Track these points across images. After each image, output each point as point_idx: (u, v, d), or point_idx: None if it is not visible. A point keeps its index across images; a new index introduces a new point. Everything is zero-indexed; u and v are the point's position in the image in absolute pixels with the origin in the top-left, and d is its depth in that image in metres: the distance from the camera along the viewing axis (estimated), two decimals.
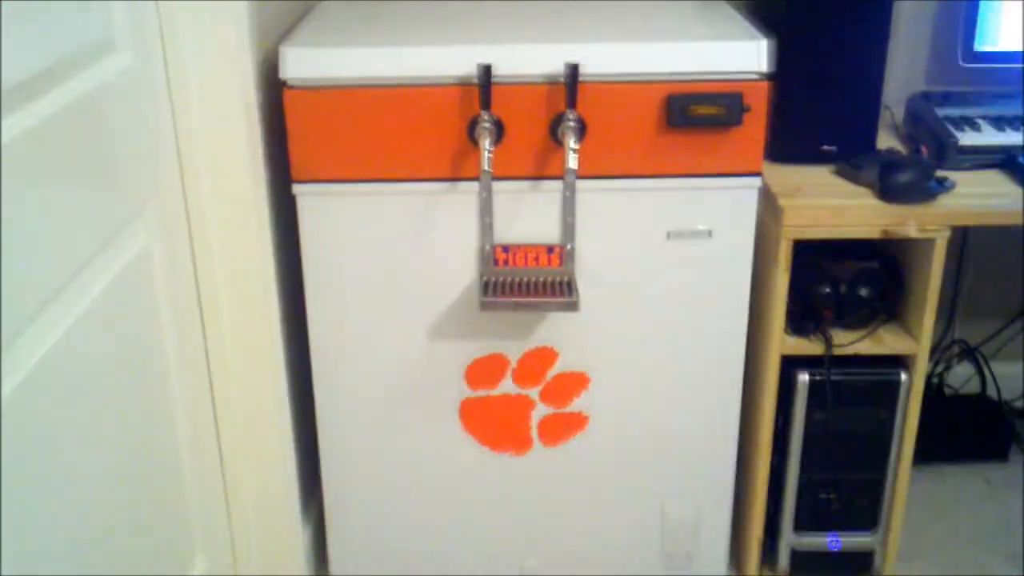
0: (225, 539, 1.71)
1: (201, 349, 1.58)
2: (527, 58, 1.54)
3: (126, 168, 1.30)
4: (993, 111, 1.89)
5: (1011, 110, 1.90)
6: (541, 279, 1.64)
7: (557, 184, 1.60)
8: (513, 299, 1.60)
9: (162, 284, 1.42)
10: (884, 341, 1.78)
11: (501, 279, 1.64)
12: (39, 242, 1.07)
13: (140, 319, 1.36)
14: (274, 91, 1.61)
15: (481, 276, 1.65)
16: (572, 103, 1.53)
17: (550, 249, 1.64)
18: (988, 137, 1.80)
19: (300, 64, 1.54)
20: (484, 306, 1.59)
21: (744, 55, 1.56)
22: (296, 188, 1.60)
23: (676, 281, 1.68)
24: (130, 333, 1.33)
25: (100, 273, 1.24)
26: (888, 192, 1.69)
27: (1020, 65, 1.97)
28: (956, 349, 2.40)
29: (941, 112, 1.87)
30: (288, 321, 1.74)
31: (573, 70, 1.51)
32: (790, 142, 1.79)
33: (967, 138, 1.79)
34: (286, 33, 1.65)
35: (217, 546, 1.68)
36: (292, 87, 1.55)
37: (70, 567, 1.16)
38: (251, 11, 1.50)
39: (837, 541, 1.90)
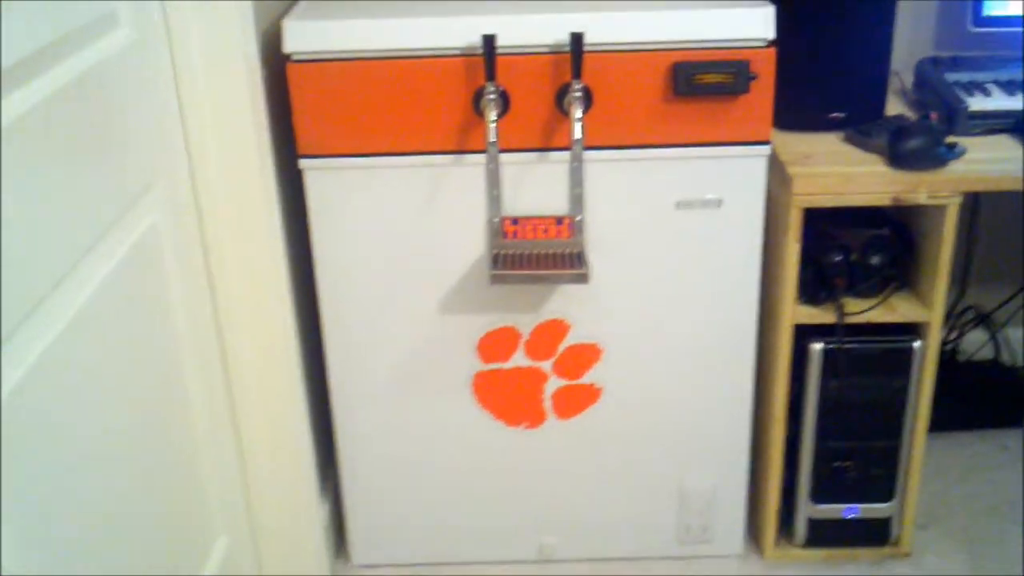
0: (243, 519, 1.72)
1: (213, 326, 1.59)
2: (531, 28, 1.54)
3: (132, 145, 1.30)
4: (1003, 75, 1.87)
5: (1021, 74, 1.88)
6: (551, 251, 1.64)
7: (564, 155, 1.60)
8: (523, 271, 1.60)
9: (172, 262, 1.42)
10: (897, 309, 1.77)
11: (510, 252, 1.64)
12: (47, 222, 1.07)
13: (151, 298, 1.36)
14: (278, 65, 1.61)
15: (490, 249, 1.65)
16: (577, 73, 1.53)
17: (559, 220, 1.64)
18: (998, 102, 1.79)
19: (303, 38, 1.54)
20: (494, 279, 1.59)
21: (750, 22, 1.55)
22: (302, 163, 1.60)
23: (686, 251, 1.68)
24: (141, 312, 1.33)
25: (110, 252, 1.24)
26: (898, 159, 1.68)
27: None
28: (969, 315, 2.39)
29: (950, 77, 1.86)
30: (299, 296, 1.74)
31: (578, 39, 1.51)
32: (799, 110, 1.78)
33: (977, 103, 1.78)
34: (289, 7, 1.65)
35: (236, 526, 1.68)
36: (295, 61, 1.55)
37: (89, 551, 1.16)
38: None
39: (854, 510, 1.90)
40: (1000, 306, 2.39)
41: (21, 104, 1.03)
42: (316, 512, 1.82)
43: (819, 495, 1.89)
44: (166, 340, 1.41)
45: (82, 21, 1.18)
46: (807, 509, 1.90)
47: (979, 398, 2.30)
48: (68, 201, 1.12)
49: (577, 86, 1.53)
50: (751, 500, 1.93)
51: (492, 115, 1.53)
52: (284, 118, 1.64)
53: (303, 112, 1.57)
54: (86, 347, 1.16)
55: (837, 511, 1.90)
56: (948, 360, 2.37)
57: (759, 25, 1.55)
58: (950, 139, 1.72)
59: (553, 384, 1.77)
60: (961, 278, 2.35)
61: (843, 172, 1.68)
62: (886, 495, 1.88)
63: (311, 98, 1.56)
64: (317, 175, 1.62)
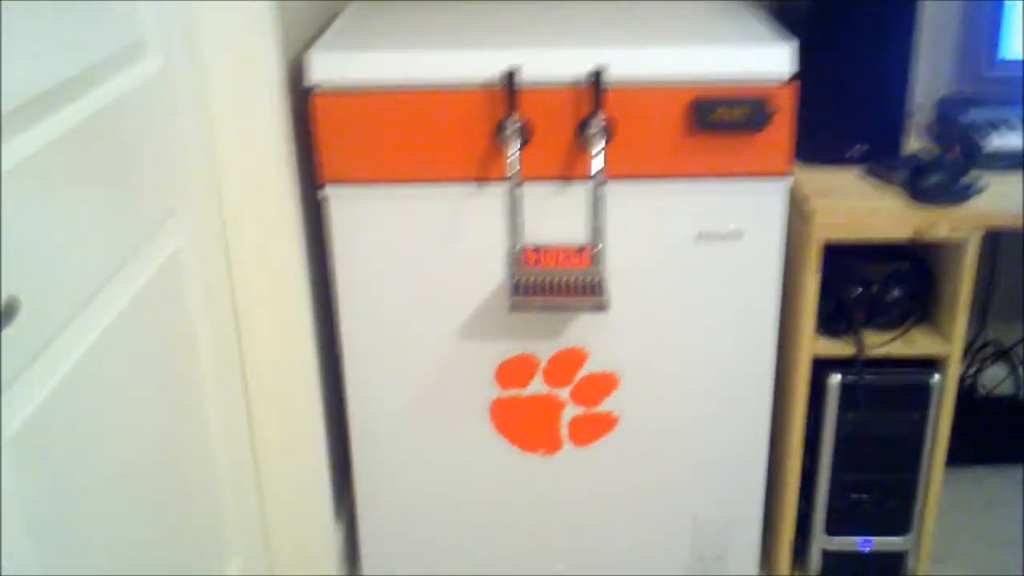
0: (259, 540, 1.73)
1: (235, 351, 1.60)
2: (554, 62, 1.55)
3: (158, 171, 1.31)
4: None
5: None
6: (571, 279, 1.65)
7: (586, 185, 1.61)
8: (543, 299, 1.61)
9: (195, 287, 1.44)
10: (916, 343, 1.77)
11: (531, 279, 1.65)
12: (72, 247, 1.09)
13: (174, 322, 1.37)
14: (302, 95, 1.63)
15: (511, 276, 1.66)
16: (599, 106, 1.54)
17: (579, 250, 1.65)
18: (1019, 139, 1.79)
19: (327, 69, 1.56)
20: (514, 306, 1.60)
21: (769, 59, 1.56)
22: (327, 190, 1.62)
23: (706, 282, 1.69)
24: (164, 336, 1.34)
25: (134, 276, 1.26)
26: (919, 194, 1.68)
27: None
28: (989, 350, 2.38)
29: (972, 114, 1.86)
30: (320, 322, 1.75)
31: (600, 74, 1.52)
32: (820, 144, 1.79)
33: (998, 140, 1.78)
34: (313, 38, 1.67)
35: (251, 547, 1.69)
36: (320, 91, 1.57)
37: (107, 568, 1.17)
38: (279, 16, 1.52)
39: (869, 543, 1.89)
40: (1020, 341, 2.38)
41: (51, 131, 1.05)
42: (331, 535, 1.83)
43: (834, 527, 1.89)
44: (188, 361, 1.42)
45: (112, 50, 1.19)
46: (822, 541, 1.90)
47: (997, 433, 2.29)
48: (93, 226, 1.14)
49: (598, 119, 1.54)
50: (766, 531, 1.93)
51: (513, 147, 1.55)
52: (308, 144, 1.66)
53: (327, 140, 1.59)
54: (109, 371, 1.18)
55: (852, 544, 1.90)
56: (967, 395, 2.37)
57: (779, 62, 1.56)
58: (971, 175, 1.72)
59: (570, 412, 1.77)
60: (981, 313, 2.35)
61: (863, 206, 1.69)
62: (902, 529, 1.88)
63: (335, 127, 1.58)
64: (340, 202, 1.63)
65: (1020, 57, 1.94)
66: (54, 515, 1.05)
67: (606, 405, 1.77)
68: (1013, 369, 2.37)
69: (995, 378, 2.40)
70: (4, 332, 0.92)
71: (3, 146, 0.96)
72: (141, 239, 1.27)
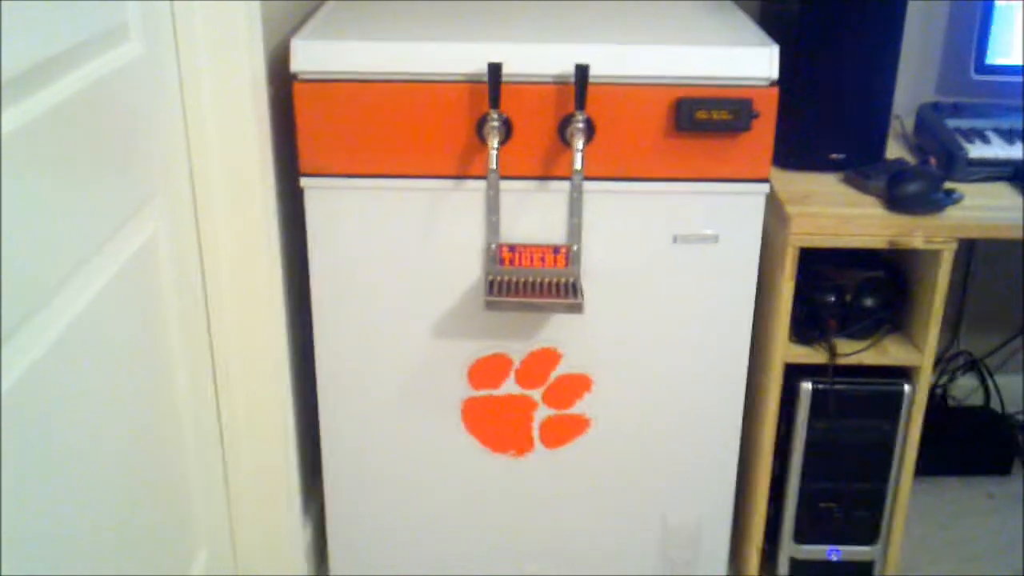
0: (226, 536, 1.71)
1: (205, 338, 1.58)
2: (537, 57, 1.54)
3: (135, 157, 1.30)
4: (1004, 124, 1.88)
5: (1021, 123, 1.89)
6: (546, 279, 1.64)
7: (564, 184, 1.60)
8: (518, 299, 1.60)
9: (168, 274, 1.42)
10: (888, 351, 1.77)
11: (506, 278, 1.64)
12: (47, 230, 1.07)
13: (145, 310, 1.36)
14: (284, 84, 1.61)
15: (486, 275, 1.65)
16: (581, 104, 1.53)
17: (556, 249, 1.64)
18: (997, 150, 1.80)
19: (310, 57, 1.54)
20: (489, 305, 1.59)
21: (754, 61, 1.56)
22: (303, 181, 1.60)
23: (681, 285, 1.68)
24: (135, 324, 1.33)
25: (108, 261, 1.24)
26: (896, 202, 1.69)
27: None
28: (960, 360, 2.39)
29: (951, 123, 1.87)
30: (292, 314, 1.74)
31: (583, 71, 1.51)
32: (799, 149, 1.79)
33: (976, 150, 1.79)
34: (297, 26, 1.65)
35: (218, 543, 1.68)
36: (302, 80, 1.55)
37: (72, 561, 1.16)
38: (261, 3, 1.50)
39: (837, 552, 1.89)
40: (992, 352, 2.39)
41: (29, 112, 1.03)
42: (299, 533, 1.81)
43: (803, 535, 1.89)
44: (159, 351, 1.41)
45: (93, 32, 1.18)
46: (790, 548, 1.90)
47: (967, 444, 2.30)
48: (70, 210, 1.12)
49: (580, 117, 1.53)
50: (735, 535, 1.93)
51: (494, 142, 1.54)
52: (287, 135, 1.65)
53: (307, 131, 1.57)
54: (81, 354, 1.16)
55: (820, 552, 1.90)
56: (938, 404, 2.38)
57: (763, 64, 1.56)
58: (948, 185, 1.73)
59: (542, 413, 1.76)
60: (954, 323, 2.36)
61: (840, 213, 1.69)
62: (870, 538, 1.88)
63: (315, 117, 1.57)
64: (317, 194, 1.62)
65: (1010, 63, 1.95)
66: (20, 502, 1.03)
67: (579, 407, 1.76)
68: (984, 380, 2.38)
69: (966, 388, 2.41)
70: None
71: None
72: (116, 224, 1.25)
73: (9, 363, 1.01)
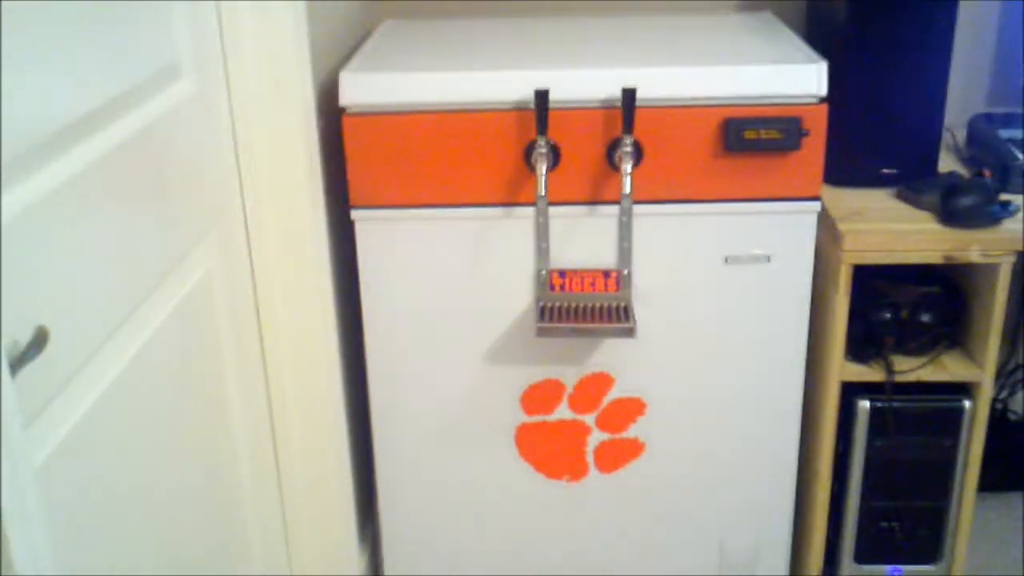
0: (283, 564, 1.72)
1: (260, 375, 1.59)
2: (583, 83, 1.54)
3: (189, 196, 1.31)
4: None
5: None
6: (597, 304, 1.63)
7: (613, 209, 1.60)
8: (570, 325, 1.59)
9: (223, 311, 1.43)
10: (947, 367, 1.75)
11: (557, 304, 1.63)
12: (103, 273, 1.08)
13: (201, 346, 1.37)
14: (333, 116, 1.62)
15: (537, 301, 1.65)
16: (629, 128, 1.53)
17: (606, 274, 1.64)
18: None
19: (358, 90, 1.55)
20: (541, 332, 1.59)
21: (802, 79, 1.55)
22: (354, 213, 1.61)
23: (734, 306, 1.67)
24: (191, 361, 1.33)
25: (164, 301, 1.25)
26: (950, 216, 1.66)
27: None
28: (1020, 374, 2.35)
29: (1004, 134, 1.84)
30: (345, 345, 1.74)
31: (630, 95, 1.51)
32: (850, 165, 1.77)
33: None
34: (345, 58, 1.66)
35: (275, 572, 1.68)
36: (350, 113, 1.56)
37: None
38: (310, 38, 1.51)
39: (899, 571, 1.87)
40: None
41: (85, 157, 1.05)
42: (355, 560, 1.81)
43: (863, 555, 1.86)
44: (215, 386, 1.42)
45: (147, 73, 1.19)
46: (851, 569, 1.87)
47: None
48: (124, 251, 1.13)
49: (628, 141, 1.53)
50: (793, 558, 1.90)
51: (543, 168, 1.53)
52: (337, 168, 1.65)
53: (356, 163, 1.58)
54: (139, 393, 1.17)
55: (881, 572, 1.87)
56: (998, 419, 2.33)
57: (811, 81, 1.55)
58: (1003, 197, 1.70)
59: (596, 438, 1.75)
60: (1012, 336, 2.32)
61: (894, 229, 1.66)
62: (932, 556, 1.85)
63: (365, 149, 1.57)
64: (368, 225, 1.62)
65: None
66: (80, 539, 1.04)
67: (632, 431, 1.75)
68: None
69: None
70: (34, 362, 0.90)
71: (41, 174, 0.95)
72: (171, 264, 1.26)
73: (70, 407, 1.02)
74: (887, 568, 1.87)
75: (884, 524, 1.84)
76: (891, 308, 1.74)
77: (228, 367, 1.46)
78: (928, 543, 1.85)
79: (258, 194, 1.51)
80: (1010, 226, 1.65)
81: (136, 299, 1.16)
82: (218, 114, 1.42)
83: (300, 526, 1.73)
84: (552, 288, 1.64)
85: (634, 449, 1.76)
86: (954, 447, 1.77)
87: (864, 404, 1.75)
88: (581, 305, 1.63)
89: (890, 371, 1.73)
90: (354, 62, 1.63)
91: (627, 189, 1.54)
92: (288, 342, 1.61)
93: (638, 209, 1.59)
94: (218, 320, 1.42)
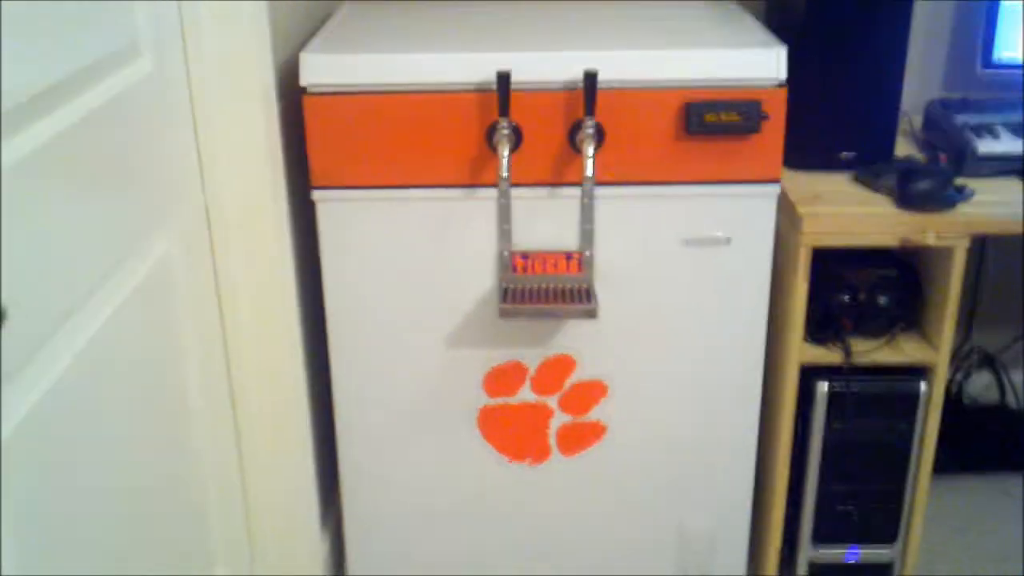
0: (244, 547, 1.71)
1: (221, 356, 1.58)
2: (545, 65, 1.55)
3: (148, 175, 1.30)
4: (1013, 118, 1.88)
5: None
6: (560, 286, 1.64)
7: (575, 191, 1.60)
8: (532, 306, 1.60)
9: (183, 292, 1.42)
10: (903, 350, 1.77)
11: (520, 286, 1.64)
12: (62, 252, 1.07)
13: (161, 328, 1.36)
14: (293, 97, 1.62)
15: (500, 283, 1.65)
16: (590, 110, 1.53)
17: (568, 256, 1.64)
18: (1007, 145, 1.79)
19: (319, 71, 1.55)
20: (503, 313, 1.59)
21: (762, 63, 1.56)
22: (315, 194, 1.61)
23: (694, 289, 1.68)
24: (151, 343, 1.33)
25: (123, 281, 1.24)
26: (907, 200, 1.68)
27: None
28: (975, 357, 2.38)
29: (960, 119, 1.86)
30: (307, 325, 1.74)
31: (591, 77, 1.51)
32: (808, 149, 1.78)
33: (986, 145, 1.79)
34: (306, 39, 1.66)
35: (236, 556, 1.67)
36: (311, 93, 1.55)
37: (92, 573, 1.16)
38: (270, 18, 1.51)
39: (856, 553, 1.89)
40: (1006, 348, 2.38)
41: (41, 134, 1.03)
42: (317, 543, 1.81)
43: (821, 537, 1.88)
44: (175, 367, 1.41)
45: (106, 51, 1.18)
46: (809, 551, 1.89)
47: (984, 442, 2.30)
48: (83, 231, 1.12)
49: (590, 123, 1.53)
50: (753, 540, 1.92)
51: (505, 150, 1.54)
52: (298, 149, 1.65)
53: (317, 144, 1.58)
54: (97, 375, 1.16)
55: (839, 554, 1.89)
56: (953, 403, 2.37)
57: (771, 65, 1.56)
58: (959, 181, 1.72)
59: (559, 420, 1.76)
60: (967, 319, 2.35)
61: (852, 212, 1.68)
62: (889, 538, 1.88)
63: (326, 130, 1.57)
64: (330, 206, 1.62)
65: (1018, 59, 1.95)
66: (40, 520, 1.03)
67: (595, 413, 1.76)
68: (999, 376, 2.38)
69: (981, 385, 2.40)
70: None
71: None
72: (131, 243, 1.25)
73: (28, 386, 1.01)
74: (844, 549, 1.89)
75: (841, 506, 1.86)
76: (849, 291, 1.77)
77: (189, 348, 1.45)
78: (884, 525, 1.87)
79: (218, 174, 1.50)
80: (965, 210, 1.68)
81: (95, 279, 1.15)
82: (177, 93, 1.41)
83: (261, 510, 1.72)
84: (514, 270, 1.65)
85: (596, 432, 1.77)
86: (910, 430, 1.80)
87: (823, 386, 1.77)
88: (543, 287, 1.64)
89: (848, 353, 1.75)
90: (315, 42, 1.62)
91: (589, 171, 1.55)
92: (249, 323, 1.60)
93: (600, 191, 1.60)
94: (178, 300, 1.41)
